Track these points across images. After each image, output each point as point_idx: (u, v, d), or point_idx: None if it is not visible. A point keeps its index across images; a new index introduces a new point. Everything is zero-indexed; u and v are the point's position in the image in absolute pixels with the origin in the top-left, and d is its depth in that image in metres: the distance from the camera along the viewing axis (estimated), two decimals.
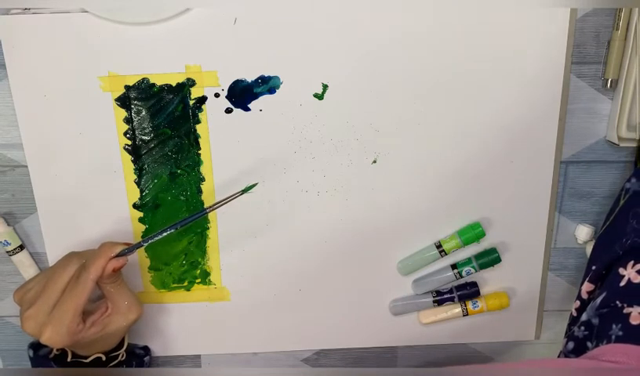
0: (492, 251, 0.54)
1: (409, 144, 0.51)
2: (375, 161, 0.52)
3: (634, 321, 0.37)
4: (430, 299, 0.56)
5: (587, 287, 0.44)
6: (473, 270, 0.54)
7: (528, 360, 0.55)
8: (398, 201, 0.53)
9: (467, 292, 0.55)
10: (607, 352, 0.36)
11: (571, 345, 0.43)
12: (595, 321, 0.41)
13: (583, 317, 0.42)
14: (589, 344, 0.41)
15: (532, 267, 0.56)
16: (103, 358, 0.50)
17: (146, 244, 0.47)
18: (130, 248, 0.47)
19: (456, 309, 0.56)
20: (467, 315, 0.56)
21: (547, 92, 0.50)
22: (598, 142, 0.52)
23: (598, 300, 0.41)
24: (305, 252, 0.55)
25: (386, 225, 0.54)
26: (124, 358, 0.52)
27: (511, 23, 0.48)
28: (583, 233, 0.54)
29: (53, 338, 0.44)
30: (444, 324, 0.57)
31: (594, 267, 0.44)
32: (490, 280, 0.56)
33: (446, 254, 0.53)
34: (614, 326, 0.38)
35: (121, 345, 0.52)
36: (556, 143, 0.51)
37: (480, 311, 0.56)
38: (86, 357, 0.50)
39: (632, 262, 0.40)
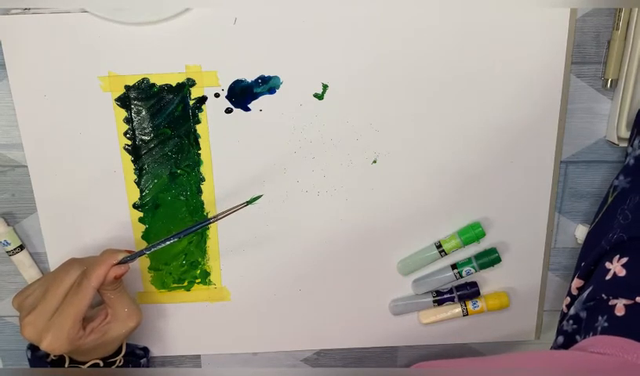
0: (492, 251, 0.54)
1: (409, 144, 0.51)
2: (375, 161, 0.52)
3: (618, 313, 0.37)
4: (430, 299, 0.56)
5: (576, 283, 0.45)
6: (473, 270, 0.54)
7: (517, 353, 0.55)
8: (398, 201, 0.53)
9: (467, 292, 0.55)
10: (593, 343, 0.37)
11: (561, 339, 0.43)
12: (583, 314, 0.41)
13: (572, 311, 0.43)
14: (578, 337, 0.41)
15: (532, 267, 0.56)
16: (101, 364, 0.50)
17: (148, 252, 0.47)
18: (132, 256, 0.46)
19: (456, 309, 0.56)
20: (467, 315, 0.56)
21: (547, 92, 0.50)
22: (597, 142, 0.52)
23: (585, 294, 0.41)
24: (305, 252, 0.55)
25: (386, 225, 0.54)
26: (121, 363, 0.52)
27: (511, 23, 0.48)
28: (583, 233, 0.54)
29: (53, 344, 0.44)
30: (444, 324, 0.57)
31: (583, 263, 0.45)
32: (490, 280, 0.56)
33: (446, 254, 0.53)
34: (600, 318, 0.38)
35: (119, 351, 0.52)
36: (556, 143, 0.51)
37: (480, 311, 0.56)
38: (84, 363, 0.50)
39: (617, 256, 0.40)
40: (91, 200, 0.52)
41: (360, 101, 0.50)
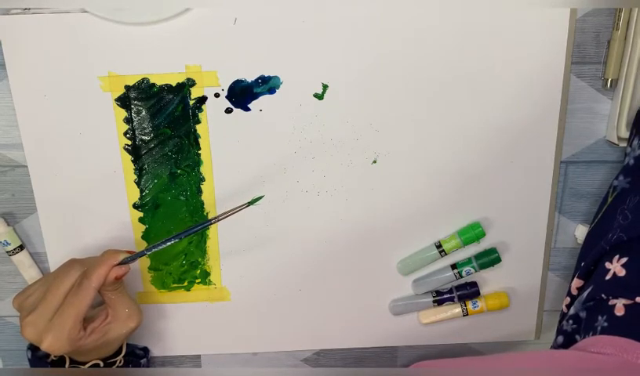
0: (492, 251, 0.54)
1: (409, 144, 0.51)
2: (375, 161, 0.52)
3: (618, 313, 0.38)
4: (430, 299, 0.56)
5: (576, 283, 0.45)
6: (473, 270, 0.54)
7: (517, 353, 0.55)
8: (398, 201, 0.53)
9: (467, 292, 0.55)
10: (593, 343, 0.37)
11: (560, 339, 0.43)
12: (583, 314, 0.41)
13: (571, 311, 0.43)
14: (578, 337, 0.41)
15: (532, 267, 0.56)
16: (101, 364, 0.50)
17: (149, 253, 0.47)
18: (133, 256, 0.46)
19: (456, 309, 0.56)
20: (467, 315, 0.56)
21: (547, 92, 0.50)
22: (597, 142, 0.52)
23: (585, 294, 0.41)
24: (305, 252, 0.55)
25: (386, 225, 0.54)
26: (122, 363, 0.52)
27: (511, 23, 0.48)
28: (583, 233, 0.54)
29: (54, 345, 0.44)
30: (444, 324, 0.57)
31: (583, 263, 0.45)
32: (490, 280, 0.56)
33: (446, 254, 0.53)
34: (600, 317, 0.38)
35: (119, 351, 0.52)
36: (556, 143, 0.51)
37: (480, 311, 0.56)
38: (84, 363, 0.50)
39: (617, 256, 0.40)
40: (91, 200, 0.52)
41: (360, 101, 0.50)
